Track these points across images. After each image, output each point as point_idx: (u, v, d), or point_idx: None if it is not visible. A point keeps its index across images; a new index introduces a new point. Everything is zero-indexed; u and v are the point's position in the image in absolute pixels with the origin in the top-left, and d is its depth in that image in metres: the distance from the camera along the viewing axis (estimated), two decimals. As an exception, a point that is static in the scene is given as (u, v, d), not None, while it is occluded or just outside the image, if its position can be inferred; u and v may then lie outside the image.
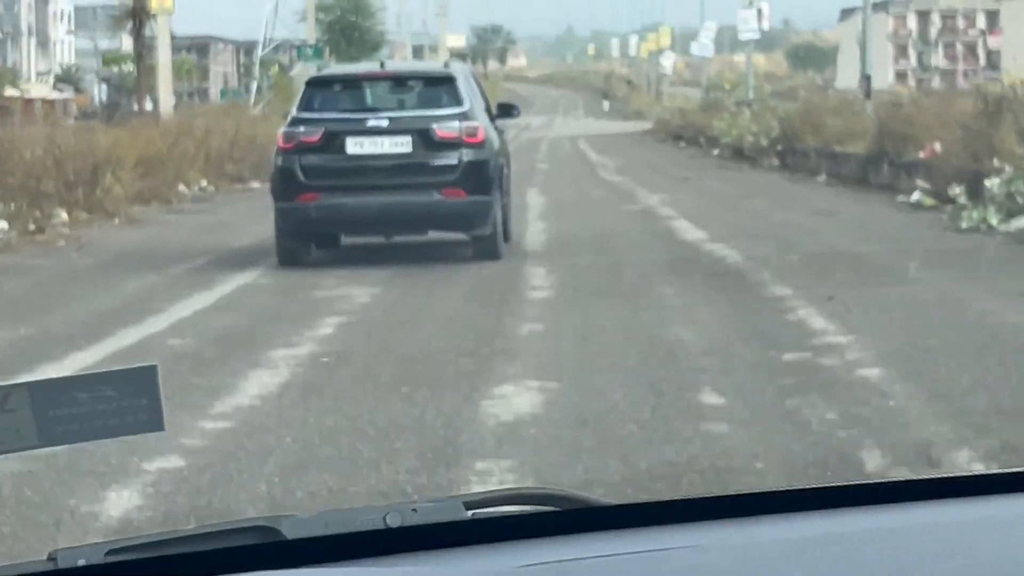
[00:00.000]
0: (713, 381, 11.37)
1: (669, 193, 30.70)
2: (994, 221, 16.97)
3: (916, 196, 20.81)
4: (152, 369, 1.33)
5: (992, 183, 17.70)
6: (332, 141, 17.85)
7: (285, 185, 17.89)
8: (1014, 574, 1.17)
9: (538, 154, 33.14)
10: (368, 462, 9.30)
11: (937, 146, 22.32)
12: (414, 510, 1.33)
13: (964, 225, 17.37)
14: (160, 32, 32.89)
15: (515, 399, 11.33)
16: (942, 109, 26.70)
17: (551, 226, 24.67)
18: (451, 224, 17.59)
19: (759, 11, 34.30)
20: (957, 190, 19.68)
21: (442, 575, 1.29)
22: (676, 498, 1.59)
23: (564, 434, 10.20)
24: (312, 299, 16.43)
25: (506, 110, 20.82)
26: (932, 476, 2.00)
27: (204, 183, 30.97)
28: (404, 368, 12.63)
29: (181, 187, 29.16)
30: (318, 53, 36.56)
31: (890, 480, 1.80)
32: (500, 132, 19.32)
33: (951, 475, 1.71)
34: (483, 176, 17.50)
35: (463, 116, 17.72)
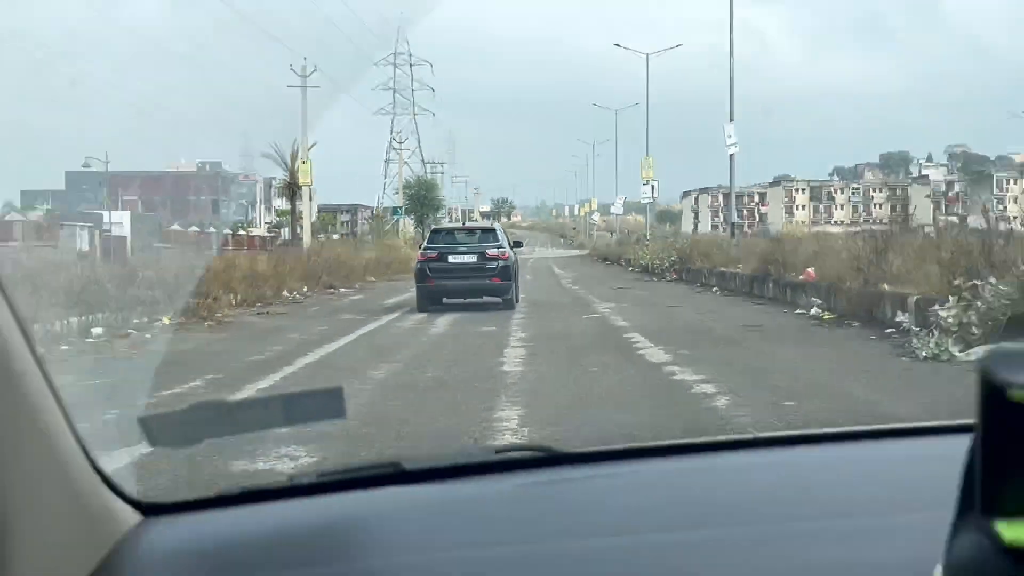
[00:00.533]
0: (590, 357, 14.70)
1: (593, 284, 32.68)
2: (955, 351, 13.34)
3: (815, 311, 19.07)
4: (337, 393, 1.24)
5: (947, 312, 13.99)
6: (442, 256, 23.15)
7: (420, 276, 23.01)
8: (846, 499, 1.04)
9: (525, 268, 34.85)
10: (453, 382, 12.44)
11: (812, 271, 21.08)
12: (462, 453, 1.31)
13: (923, 354, 13.44)
14: (304, 198, 36.86)
15: (516, 348, 15.94)
16: (792, 246, 25.71)
17: (530, 296, 28.09)
18: (493, 293, 23.13)
19: (652, 187, 39.52)
20: (905, 316, 15.87)
21: (483, 488, 1.21)
22: (613, 448, 1.35)
23: (532, 356, 14.68)
24: (426, 323, 20.85)
25: (517, 243, 27.17)
26: (794, 432, 1.57)
27: (305, 289, 30.58)
28: (468, 342, 17.45)
29: (284, 292, 29.08)
30: (403, 213, 46.08)
31: (771, 435, 1.61)
32: (515, 253, 25.43)
33: (806, 431, 1.49)
34: (507, 274, 23.41)
35: (499, 247, 23.79)
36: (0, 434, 0.72)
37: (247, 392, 10.78)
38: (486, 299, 23.60)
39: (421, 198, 48.62)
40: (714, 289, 28.55)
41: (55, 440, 0.82)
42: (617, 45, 61.46)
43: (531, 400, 10.74)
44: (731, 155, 30.26)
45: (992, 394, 0.64)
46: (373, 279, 30.63)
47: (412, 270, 25.17)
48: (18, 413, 0.75)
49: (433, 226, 33.53)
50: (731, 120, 30.85)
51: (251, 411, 1.11)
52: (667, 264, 32.78)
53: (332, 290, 31.79)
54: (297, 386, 10.25)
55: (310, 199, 36.50)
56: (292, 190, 38.02)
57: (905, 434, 1.28)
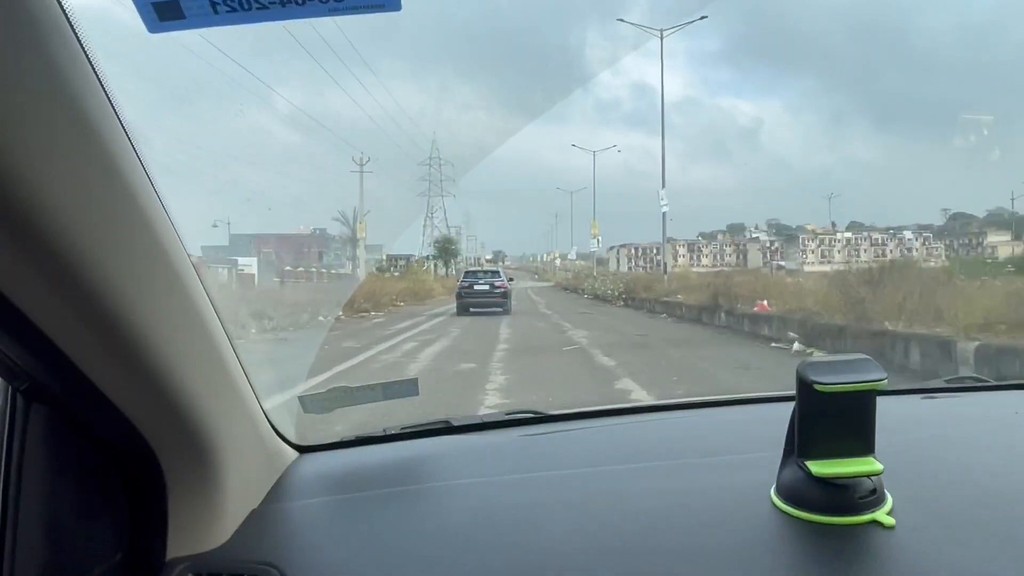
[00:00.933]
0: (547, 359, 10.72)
1: (557, 306, 26.84)
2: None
3: (797, 346, 10.89)
4: (413, 382, 1.13)
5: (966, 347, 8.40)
6: (470, 285, 22.04)
7: (458, 296, 21.85)
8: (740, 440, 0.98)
9: (512, 292, 34.46)
10: (470, 353, 10.57)
11: (766, 303, 14.89)
12: (485, 415, 1.20)
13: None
14: (360, 247, 35.09)
15: (506, 329, 15.07)
16: (726, 280, 19.70)
17: (516, 309, 23.61)
18: (498, 307, 21.25)
19: (597, 240, 39.09)
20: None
21: (499, 436, 1.13)
22: (584, 410, 1.26)
23: (516, 339, 13.04)
24: (457, 321, 18.69)
25: (511, 279, 26.32)
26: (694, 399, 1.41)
27: (340, 314, 26.40)
28: (480, 331, 15.22)
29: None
30: (433, 259, 43.71)
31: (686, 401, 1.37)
32: (510, 283, 24.62)
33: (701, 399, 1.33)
34: (506, 295, 21.79)
35: (501, 280, 22.74)
36: (213, 402, 0.70)
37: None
38: (493, 311, 22.23)
39: (445, 249, 49.13)
40: (663, 316, 20.08)
41: (249, 405, 0.81)
42: (573, 145, 63.91)
43: (511, 351, 10.78)
44: (663, 212, 26.22)
45: (804, 386, 0.68)
46: (402, 304, 24.79)
47: (435, 295, 25.33)
48: (225, 386, 0.73)
49: (465, 269, 32.31)
50: (663, 187, 26.85)
51: (363, 391, 1.06)
52: (616, 293, 26.61)
53: (363, 314, 25.79)
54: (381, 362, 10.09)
55: (364, 248, 34.69)
56: (353, 242, 36.75)
57: (756, 402, 1.22)
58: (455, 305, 22.78)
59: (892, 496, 0.70)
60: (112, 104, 0.50)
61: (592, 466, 0.92)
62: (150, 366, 0.59)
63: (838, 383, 0.65)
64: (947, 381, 1.20)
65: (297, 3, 0.46)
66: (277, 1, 0.47)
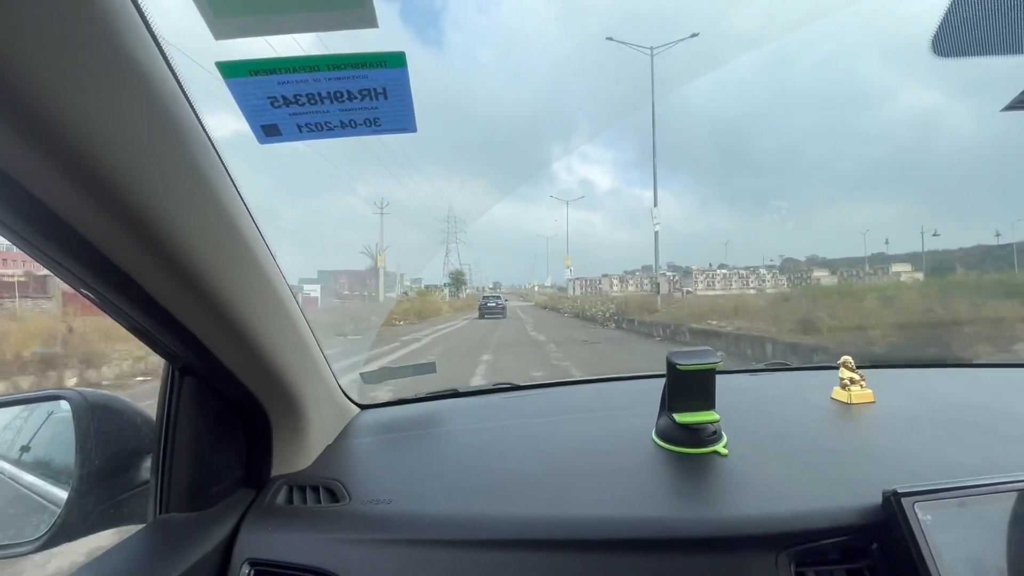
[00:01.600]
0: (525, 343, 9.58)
1: (529, 315, 22.62)
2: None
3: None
4: (432, 364, 1.04)
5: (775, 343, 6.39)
6: (485, 303, 21.31)
7: (479, 308, 21.34)
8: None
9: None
10: (477, 343, 9.53)
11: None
12: (480, 386, 1.10)
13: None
14: (381, 275, 30.02)
15: (505, 324, 14.62)
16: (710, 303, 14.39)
17: (510, 318, 21.53)
18: (500, 315, 20.40)
19: (570, 270, 32.80)
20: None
21: (488, 399, 1.04)
22: (540, 383, 1.12)
23: (511, 327, 12.89)
24: (475, 322, 17.16)
25: (506, 299, 25.71)
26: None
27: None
28: (487, 327, 14.18)
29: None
30: (447, 286, 39.00)
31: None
32: (507, 302, 24.06)
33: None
34: (504, 309, 21.58)
35: (503, 300, 22.22)
36: (302, 376, 0.68)
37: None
38: (497, 316, 21.44)
39: (456, 281, 46.46)
40: (656, 337, 11.05)
41: (326, 378, 0.78)
42: (551, 196, 63.47)
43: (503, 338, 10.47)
44: (656, 232, 21.24)
45: (671, 366, 0.70)
46: (402, 322, 18.01)
47: (443, 314, 22.13)
48: (310, 365, 0.71)
49: (483, 295, 30.24)
50: (655, 206, 19.42)
51: (400, 369, 1.04)
52: (607, 315, 17.22)
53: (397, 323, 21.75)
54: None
55: (384, 275, 30.20)
56: (378, 271, 31.44)
57: (645, 377, 1.15)
58: (476, 313, 22.42)
59: (727, 436, 0.72)
60: (235, 186, 0.51)
61: (541, 417, 0.90)
62: (261, 354, 0.60)
63: (692, 364, 0.69)
64: (766, 364, 1.20)
65: (352, 127, 0.49)
66: (338, 125, 0.50)
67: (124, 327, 0.54)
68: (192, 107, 0.43)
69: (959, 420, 0.76)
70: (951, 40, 0.52)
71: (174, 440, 0.63)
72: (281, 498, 0.67)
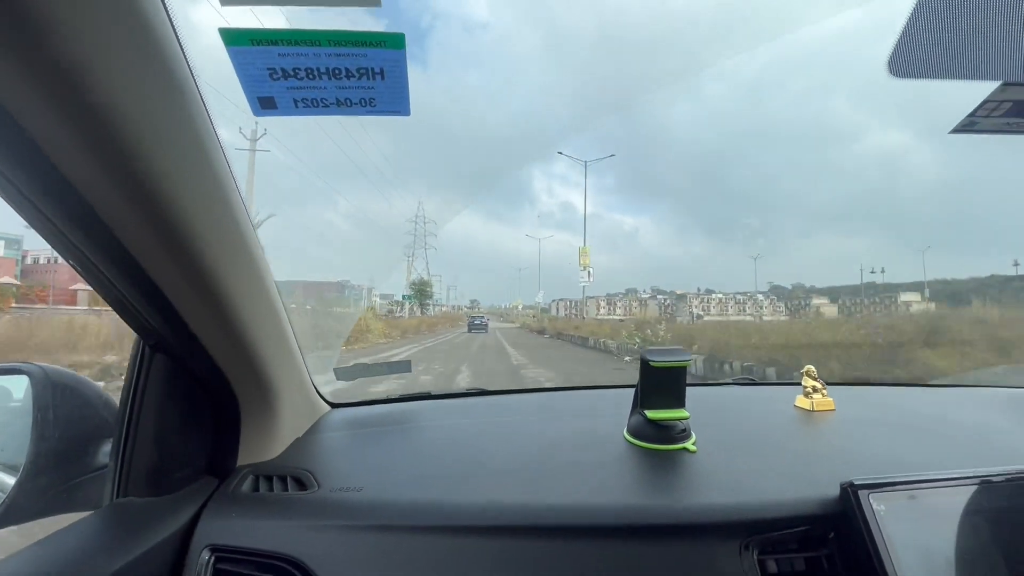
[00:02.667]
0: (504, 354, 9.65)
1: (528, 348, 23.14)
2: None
3: (627, 358, 8.41)
4: (407, 362, 1.05)
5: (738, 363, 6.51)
6: (472, 319, 23.55)
7: (468, 324, 23.27)
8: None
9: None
10: (465, 354, 9.52)
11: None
12: (451, 390, 1.09)
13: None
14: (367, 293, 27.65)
15: (486, 337, 15.36)
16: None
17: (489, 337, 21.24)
18: (484, 330, 21.71)
19: (590, 270, 23.11)
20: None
21: (461, 402, 1.03)
22: (509, 388, 1.11)
23: (494, 338, 14.14)
24: (464, 336, 17.49)
25: (488, 318, 27.66)
26: None
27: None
28: (472, 341, 14.31)
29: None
30: (407, 299, 35.52)
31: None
32: (488, 320, 25.94)
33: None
34: (487, 325, 23.62)
35: (486, 319, 24.69)
36: (278, 366, 0.68)
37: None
38: (481, 331, 21.85)
39: (420, 292, 38.04)
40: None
41: (301, 371, 0.78)
42: (527, 235, 64.69)
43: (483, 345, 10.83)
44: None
45: (645, 364, 0.71)
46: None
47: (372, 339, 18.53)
48: (286, 356, 0.71)
49: (469, 315, 30.79)
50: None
51: (375, 366, 1.04)
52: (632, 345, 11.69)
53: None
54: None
55: (347, 288, 28.63)
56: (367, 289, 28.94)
57: (614, 387, 1.14)
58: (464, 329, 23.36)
59: (695, 434, 0.74)
60: (230, 166, 0.51)
61: (513, 416, 0.92)
62: (241, 336, 0.60)
63: (664, 360, 0.71)
64: (733, 379, 1.24)
65: (347, 106, 0.50)
66: (333, 103, 0.51)
67: (103, 297, 0.53)
68: (195, 81, 0.44)
69: (912, 426, 0.80)
70: (907, 61, 0.54)
71: (139, 420, 0.61)
72: (247, 486, 0.66)
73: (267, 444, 0.73)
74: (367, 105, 0.51)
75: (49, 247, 0.46)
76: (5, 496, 0.59)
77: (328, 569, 0.55)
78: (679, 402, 0.73)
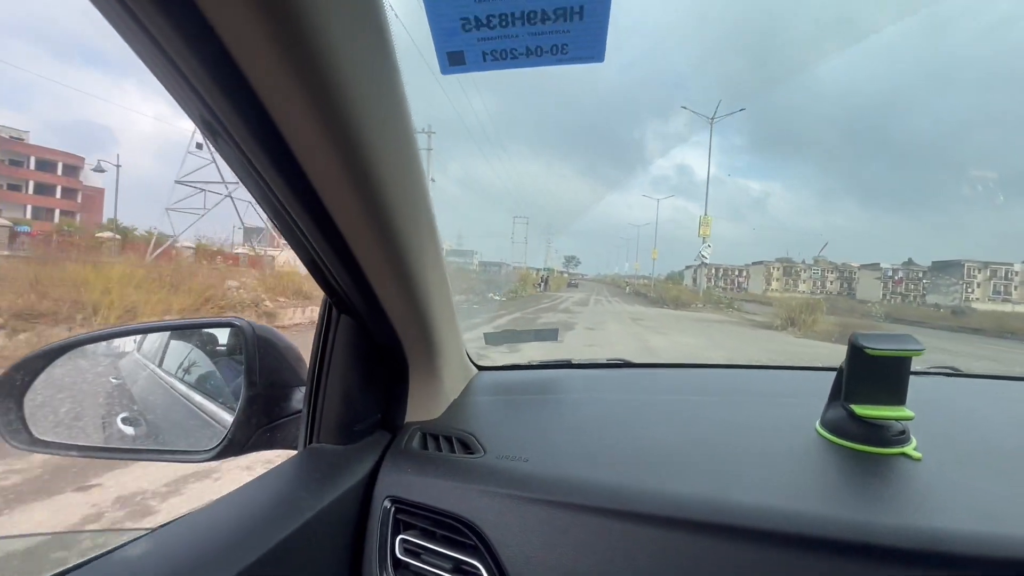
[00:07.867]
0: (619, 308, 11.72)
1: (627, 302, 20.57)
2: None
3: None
4: (555, 330, 1.09)
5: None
6: (571, 281, 21.31)
7: (568, 284, 21.89)
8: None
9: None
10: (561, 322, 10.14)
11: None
12: (592, 360, 1.11)
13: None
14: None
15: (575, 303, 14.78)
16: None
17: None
18: (576, 288, 20.97)
19: (710, 243, 23.98)
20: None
21: (600, 373, 1.03)
22: (660, 362, 1.10)
23: (587, 305, 12.97)
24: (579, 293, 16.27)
25: (573, 284, 26.48)
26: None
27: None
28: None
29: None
30: (544, 271, 33.21)
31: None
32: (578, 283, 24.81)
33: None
34: (578, 284, 22.91)
35: (576, 280, 23.17)
36: (443, 331, 0.72)
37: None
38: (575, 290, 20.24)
39: (568, 262, 38.57)
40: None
41: (459, 338, 0.82)
42: (645, 196, 61.93)
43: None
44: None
45: (856, 350, 0.64)
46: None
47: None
48: (449, 322, 0.74)
49: (568, 279, 31.01)
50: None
51: (524, 333, 1.05)
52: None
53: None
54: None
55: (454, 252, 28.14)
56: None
57: (795, 368, 1.11)
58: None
59: (916, 439, 0.65)
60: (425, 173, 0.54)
61: (674, 395, 0.87)
62: (418, 302, 0.63)
63: (886, 349, 0.62)
64: (930, 367, 1.10)
65: (538, 55, 0.46)
66: (523, 53, 0.49)
67: (302, 260, 0.58)
68: (392, 44, 0.45)
69: None
70: None
71: (328, 375, 0.67)
72: (416, 443, 0.70)
73: (431, 404, 0.77)
74: (558, 53, 0.47)
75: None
76: (227, 431, 0.69)
77: (501, 536, 0.56)
78: (899, 398, 0.64)
